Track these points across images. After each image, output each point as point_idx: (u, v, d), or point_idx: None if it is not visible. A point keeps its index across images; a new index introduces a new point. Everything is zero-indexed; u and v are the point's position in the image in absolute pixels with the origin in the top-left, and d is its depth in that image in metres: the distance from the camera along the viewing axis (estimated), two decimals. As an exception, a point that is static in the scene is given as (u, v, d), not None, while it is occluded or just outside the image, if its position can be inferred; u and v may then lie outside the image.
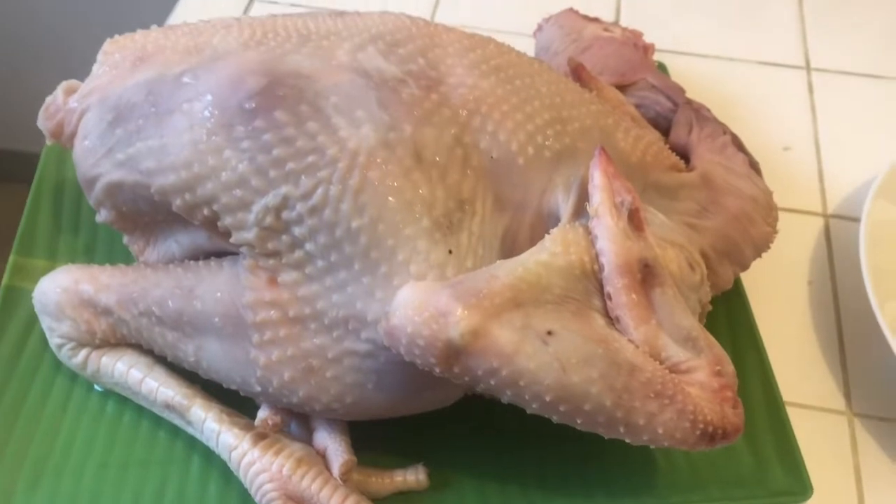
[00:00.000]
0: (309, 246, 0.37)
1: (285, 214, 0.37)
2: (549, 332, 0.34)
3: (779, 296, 0.53)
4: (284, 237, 0.37)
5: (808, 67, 0.67)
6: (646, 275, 0.37)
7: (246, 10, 0.70)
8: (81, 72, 0.46)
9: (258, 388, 0.39)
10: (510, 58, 0.43)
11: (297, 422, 0.42)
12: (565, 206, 0.40)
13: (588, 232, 0.38)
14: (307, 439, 0.42)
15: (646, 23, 0.67)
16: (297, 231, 0.37)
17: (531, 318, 0.34)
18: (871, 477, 0.45)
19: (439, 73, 0.40)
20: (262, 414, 0.41)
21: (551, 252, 0.37)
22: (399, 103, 0.38)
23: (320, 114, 0.38)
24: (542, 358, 0.33)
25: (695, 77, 0.65)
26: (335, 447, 0.41)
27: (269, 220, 0.37)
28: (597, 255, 0.37)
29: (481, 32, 0.68)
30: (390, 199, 0.37)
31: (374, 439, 0.42)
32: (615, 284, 0.36)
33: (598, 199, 0.38)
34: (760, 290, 0.51)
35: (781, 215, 0.57)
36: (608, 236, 0.37)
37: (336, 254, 0.37)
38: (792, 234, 0.56)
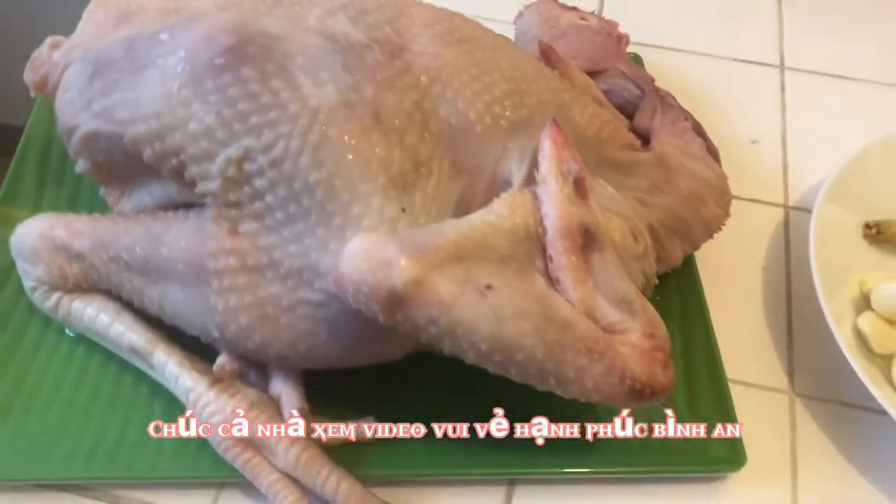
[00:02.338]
0: (269, 198, 0.39)
1: (247, 166, 0.39)
2: (489, 286, 0.36)
3: (734, 279, 0.54)
4: (246, 188, 0.39)
5: (782, 66, 0.68)
6: (587, 239, 0.39)
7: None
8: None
9: (216, 334, 0.41)
10: (474, 32, 0.45)
11: (254, 371, 0.44)
12: (517, 174, 0.41)
13: (535, 197, 0.40)
14: (264, 387, 0.44)
15: (625, 15, 0.69)
16: (258, 183, 0.39)
17: (472, 272, 0.36)
18: (805, 453, 0.47)
19: (404, 41, 0.42)
20: (221, 360, 0.43)
21: (498, 214, 0.39)
22: (363, 67, 0.40)
23: (285, 72, 0.40)
24: (479, 309, 0.35)
25: (670, 71, 0.67)
26: (289, 394, 0.43)
27: (231, 170, 0.39)
28: (541, 219, 0.39)
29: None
30: (348, 155, 0.39)
31: (328, 390, 0.44)
32: (556, 247, 0.38)
33: (546, 166, 0.40)
34: (716, 272, 0.53)
35: (744, 204, 0.59)
36: (552, 201, 0.39)
37: (294, 206, 0.39)
38: (752, 222, 0.58)
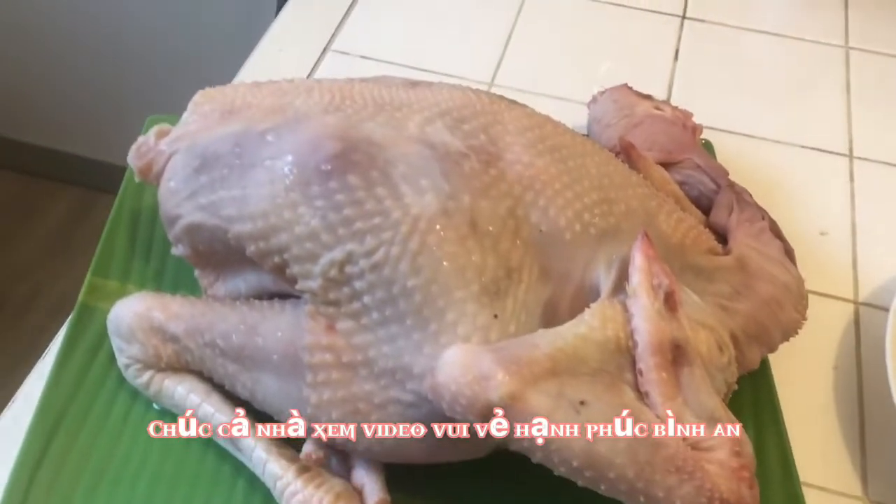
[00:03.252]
0: (367, 299, 0.41)
1: (348, 269, 0.41)
2: (582, 402, 0.37)
3: (804, 378, 0.54)
4: (346, 289, 0.41)
5: (850, 155, 0.69)
6: (676, 355, 0.40)
7: (317, 61, 0.74)
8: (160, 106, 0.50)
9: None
10: (564, 139, 0.46)
11: (337, 458, 0.45)
12: (606, 282, 0.42)
13: (625, 309, 0.41)
14: (346, 476, 0.45)
15: (695, 101, 0.70)
16: (358, 284, 0.41)
17: (566, 387, 0.37)
18: (881, 564, 0.47)
19: (498, 149, 0.44)
20: (308, 448, 0.44)
21: (590, 326, 0.40)
22: (460, 175, 0.42)
23: (388, 180, 0.41)
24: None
25: (738, 157, 0.67)
26: (372, 485, 0.44)
27: (333, 272, 0.41)
28: (632, 333, 0.40)
29: (537, 96, 0.72)
30: (445, 263, 0.40)
31: (409, 482, 0.45)
32: (647, 362, 0.39)
33: (637, 279, 0.41)
34: (786, 371, 0.53)
35: (813, 299, 0.59)
36: (644, 316, 0.40)
37: (391, 308, 0.40)
38: (821, 318, 0.58)
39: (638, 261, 0.41)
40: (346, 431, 0.41)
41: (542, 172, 0.43)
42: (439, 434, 0.40)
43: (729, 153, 0.66)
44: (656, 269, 0.41)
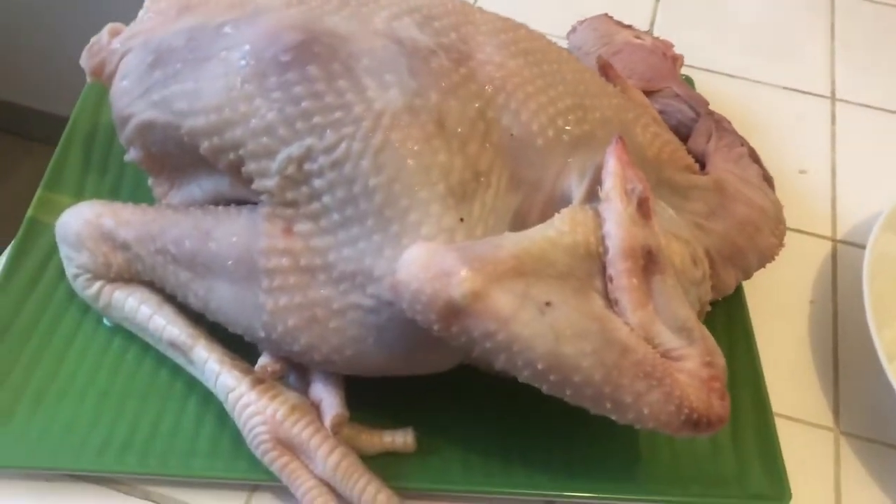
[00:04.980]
0: (326, 199, 0.39)
1: (307, 166, 0.38)
2: (548, 303, 0.35)
3: (780, 311, 0.53)
4: (304, 188, 0.39)
5: (833, 97, 0.67)
6: (648, 262, 0.38)
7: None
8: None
9: (262, 334, 0.40)
10: (540, 43, 0.44)
11: (295, 373, 0.44)
12: (578, 190, 0.41)
13: (597, 215, 0.39)
14: (304, 391, 0.43)
15: (679, 37, 0.68)
16: (317, 183, 0.38)
17: (532, 288, 0.35)
18: (850, 493, 0.46)
19: (470, 49, 0.42)
20: (263, 360, 0.42)
21: (559, 230, 0.38)
22: (428, 73, 0.40)
23: (351, 73, 0.39)
24: (537, 326, 0.34)
25: (720, 95, 0.66)
26: (330, 400, 0.42)
27: (291, 169, 0.38)
28: (603, 238, 0.38)
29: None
30: (409, 161, 0.38)
31: (369, 399, 0.43)
32: (617, 267, 0.37)
33: (610, 183, 0.39)
34: (763, 303, 0.52)
35: (791, 235, 0.58)
36: (615, 220, 0.38)
37: (351, 208, 0.38)
38: (800, 254, 0.57)
39: (611, 165, 0.39)
40: (304, 339, 0.39)
41: (514, 74, 0.41)
42: (401, 341, 0.38)
43: (709, 91, 0.65)
44: (630, 174, 0.39)
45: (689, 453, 0.45)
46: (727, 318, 0.50)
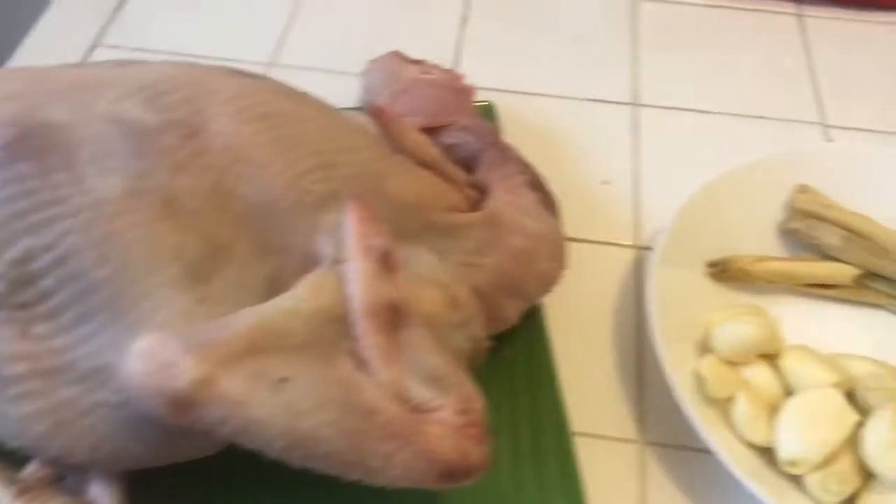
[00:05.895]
0: (60, 297, 0.37)
1: (32, 266, 0.37)
2: (283, 379, 0.34)
3: (586, 326, 0.54)
4: (32, 289, 0.37)
5: (634, 103, 0.69)
6: (394, 316, 0.38)
7: (84, 58, 0.70)
8: None
9: (14, 443, 0.38)
10: (283, 105, 0.44)
11: (72, 475, 0.42)
12: (328, 250, 0.40)
13: (341, 276, 0.38)
14: (82, 491, 0.41)
15: (484, 64, 0.69)
16: (46, 283, 0.37)
17: (266, 365, 0.35)
18: (654, 501, 0.46)
19: (202, 120, 0.41)
20: (31, 467, 0.40)
21: (298, 298, 0.37)
22: (154, 152, 0.39)
23: (70, 164, 0.38)
24: (271, 405, 0.34)
25: (524, 115, 0.67)
26: (105, 501, 0.40)
27: (14, 272, 0.37)
28: (347, 299, 0.38)
29: (317, 72, 0.70)
30: (136, 247, 0.37)
31: (156, 490, 0.41)
32: (362, 327, 0.37)
33: (349, 242, 0.39)
34: (567, 321, 0.53)
35: (595, 248, 0.59)
36: (356, 279, 0.38)
37: (84, 304, 0.37)
38: (605, 265, 0.58)
39: (348, 224, 0.39)
40: (58, 442, 0.38)
41: (247, 141, 0.41)
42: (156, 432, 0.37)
43: (515, 113, 0.66)
44: (370, 231, 0.39)
45: (492, 488, 0.45)
46: (527, 344, 0.50)
